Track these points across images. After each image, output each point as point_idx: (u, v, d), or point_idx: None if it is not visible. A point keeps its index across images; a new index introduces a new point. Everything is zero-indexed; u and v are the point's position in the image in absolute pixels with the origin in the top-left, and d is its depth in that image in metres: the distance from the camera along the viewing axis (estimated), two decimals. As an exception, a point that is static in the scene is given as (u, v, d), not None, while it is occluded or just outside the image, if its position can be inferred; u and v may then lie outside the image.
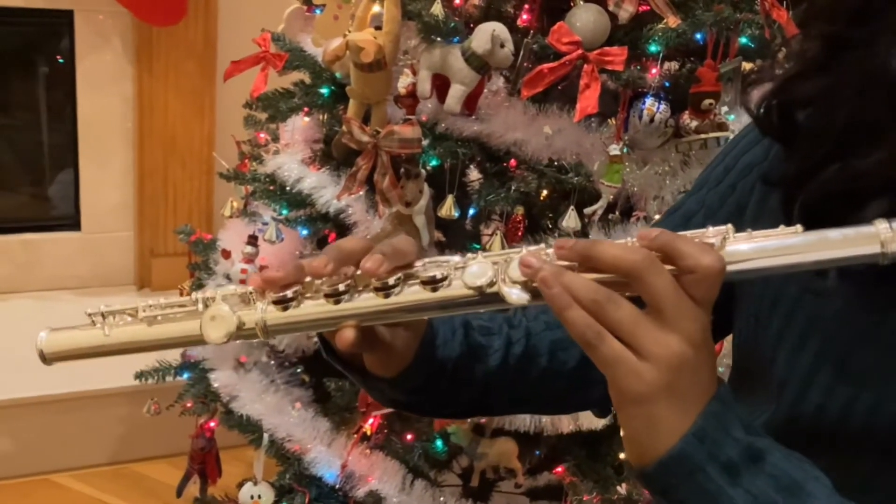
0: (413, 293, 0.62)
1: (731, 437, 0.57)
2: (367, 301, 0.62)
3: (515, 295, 0.59)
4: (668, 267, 0.57)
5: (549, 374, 0.83)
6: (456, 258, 0.63)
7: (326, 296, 0.63)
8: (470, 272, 0.60)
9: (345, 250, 0.64)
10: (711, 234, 0.59)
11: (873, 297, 0.65)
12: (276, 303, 0.63)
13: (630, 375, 0.56)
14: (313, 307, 0.63)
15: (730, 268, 0.57)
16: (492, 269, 0.60)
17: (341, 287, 0.62)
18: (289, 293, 0.63)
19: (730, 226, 0.59)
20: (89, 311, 0.65)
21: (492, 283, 0.60)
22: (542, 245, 0.61)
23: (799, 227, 0.59)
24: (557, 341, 0.84)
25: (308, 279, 0.63)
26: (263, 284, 0.64)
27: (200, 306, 0.64)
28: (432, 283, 0.61)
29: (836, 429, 0.67)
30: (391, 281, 0.62)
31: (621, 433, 0.60)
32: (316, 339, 2.00)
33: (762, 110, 0.72)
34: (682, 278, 0.56)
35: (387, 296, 0.62)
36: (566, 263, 0.59)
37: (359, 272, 0.63)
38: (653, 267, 0.56)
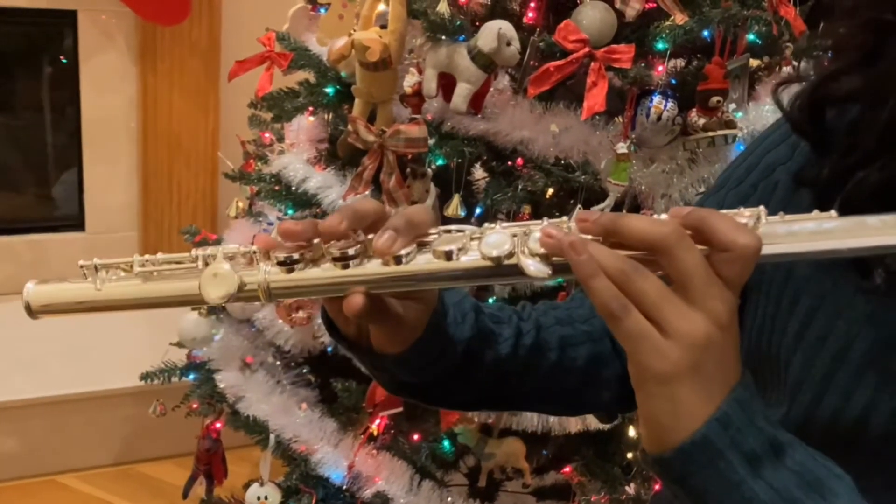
0: (426, 261, 0.59)
1: (756, 427, 0.55)
2: (377, 267, 0.59)
3: (534, 267, 0.56)
4: (699, 247, 0.54)
5: (559, 370, 0.82)
6: (472, 228, 0.60)
7: (335, 259, 0.59)
8: (488, 242, 0.57)
9: (359, 212, 0.61)
10: (744, 214, 0.56)
11: None
12: (280, 264, 0.59)
13: (653, 353, 0.53)
14: (320, 271, 0.59)
15: (762, 250, 0.54)
16: (510, 240, 0.57)
17: (351, 251, 0.59)
18: (295, 255, 0.59)
19: (762, 208, 0.57)
20: (81, 263, 0.61)
21: (510, 255, 0.57)
22: (565, 218, 0.58)
23: (834, 213, 0.56)
24: (567, 337, 0.83)
25: (315, 241, 0.60)
26: (282, 237, 0.60)
27: (200, 264, 0.60)
28: (447, 255, 0.58)
29: (853, 433, 0.65)
30: (403, 251, 0.59)
31: (640, 438, 0.57)
32: (322, 339, 2.00)
33: (796, 107, 0.70)
34: (715, 256, 0.54)
35: (398, 263, 0.58)
36: (589, 237, 0.56)
37: (370, 236, 0.60)
38: (682, 241, 0.53)
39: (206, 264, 0.60)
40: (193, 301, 0.60)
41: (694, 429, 0.54)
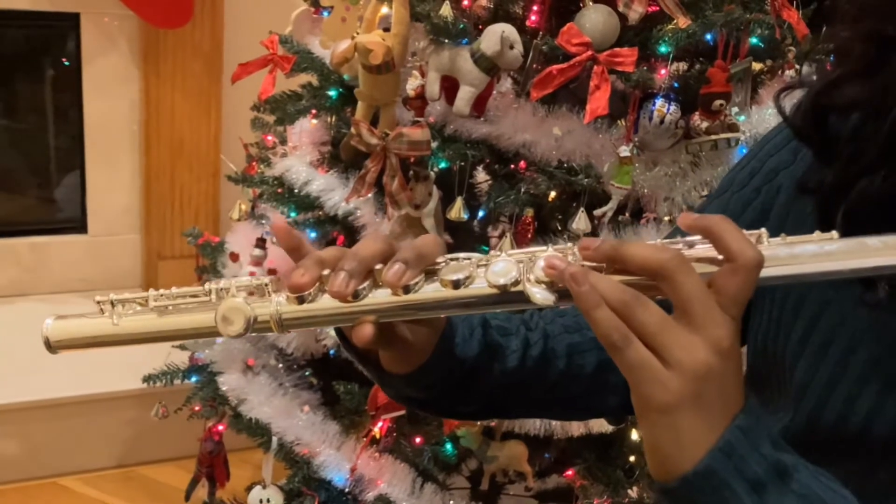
0: (434, 290, 0.60)
1: (759, 453, 0.55)
2: (386, 296, 0.61)
3: (540, 295, 0.57)
4: (701, 270, 0.55)
5: (566, 378, 0.82)
6: (479, 255, 0.61)
7: None
8: (494, 270, 0.59)
9: (365, 259, 0.62)
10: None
11: None
12: (292, 296, 0.61)
13: (654, 383, 0.54)
14: (330, 301, 0.61)
15: (764, 272, 0.55)
16: (516, 268, 0.58)
17: (361, 284, 0.61)
18: None
19: (763, 230, 0.58)
20: (98, 299, 0.63)
21: (516, 282, 0.58)
22: (569, 244, 0.59)
23: (835, 234, 0.57)
24: (575, 345, 0.83)
25: (326, 272, 0.61)
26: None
27: (213, 297, 0.62)
28: (454, 283, 0.59)
29: (857, 437, 0.65)
30: (412, 281, 0.60)
31: (642, 442, 0.57)
32: (324, 342, 2.00)
33: (799, 114, 0.71)
34: (717, 272, 0.55)
35: (406, 292, 0.60)
36: (592, 264, 0.57)
37: (378, 266, 0.61)
38: (683, 267, 0.54)
39: (220, 298, 0.62)
40: (209, 334, 0.62)
41: (697, 458, 0.54)
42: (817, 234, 0.57)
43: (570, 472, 1.93)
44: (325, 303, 0.61)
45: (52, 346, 0.62)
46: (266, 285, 0.62)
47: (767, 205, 0.76)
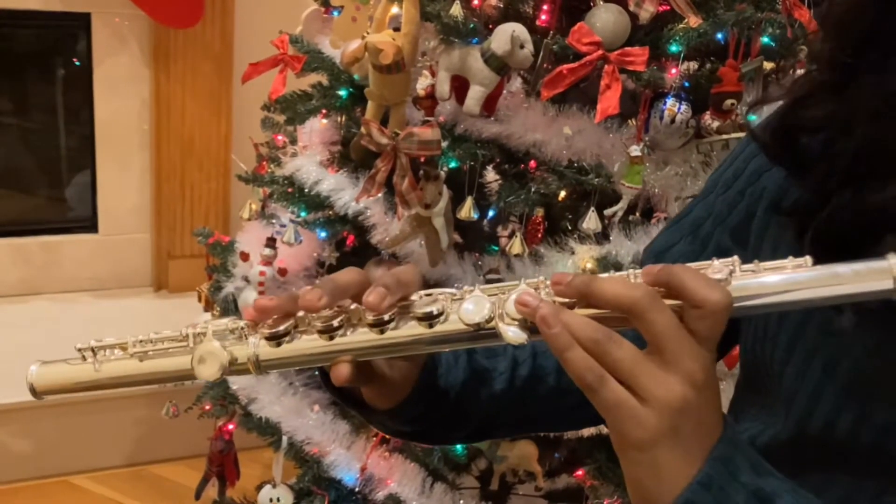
0: (409, 328, 0.61)
1: (739, 483, 0.55)
2: (361, 336, 0.61)
3: (513, 333, 0.58)
4: (672, 302, 0.55)
5: (557, 393, 0.82)
6: (452, 290, 0.62)
7: (320, 331, 0.62)
8: (466, 309, 0.59)
9: (340, 284, 0.62)
10: (717, 267, 0.57)
11: (885, 313, 0.62)
12: (268, 338, 0.62)
13: (631, 421, 0.54)
14: (307, 342, 0.62)
15: (736, 304, 0.55)
16: (489, 305, 0.59)
17: (335, 322, 0.61)
18: (281, 328, 0.62)
19: (736, 258, 0.58)
20: (79, 346, 0.65)
21: (489, 320, 0.59)
22: (541, 278, 0.60)
23: (808, 259, 0.57)
24: None
25: (301, 313, 0.62)
26: (257, 313, 0.63)
27: (191, 342, 0.63)
28: (428, 319, 0.60)
29: (844, 446, 0.65)
30: (386, 316, 0.61)
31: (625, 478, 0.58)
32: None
33: (768, 135, 0.71)
34: (687, 314, 0.54)
35: (382, 331, 0.61)
36: (564, 300, 0.58)
37: (353, 306, 0.62)
38: (654, 304, 0.54)
39: (198, 342, 0.63)
40: (187, 377, 0.63)
41: (677, 493, 0.55)
42: (790, 260, 0.57)
43: (580, 472, 1.92)
44: (302, 344, 0.62)
45: (37, 393, 0.66)
46: (243, 328, 0.63)
47: (752, 207, 0.76)
